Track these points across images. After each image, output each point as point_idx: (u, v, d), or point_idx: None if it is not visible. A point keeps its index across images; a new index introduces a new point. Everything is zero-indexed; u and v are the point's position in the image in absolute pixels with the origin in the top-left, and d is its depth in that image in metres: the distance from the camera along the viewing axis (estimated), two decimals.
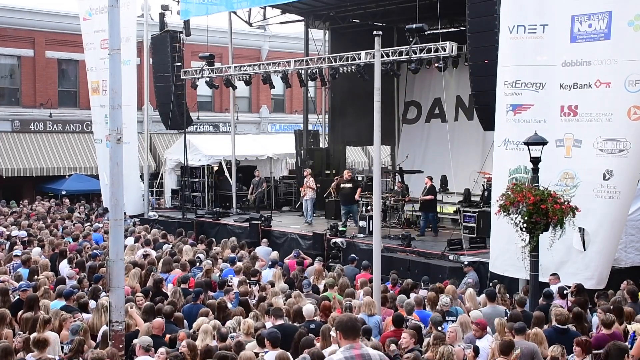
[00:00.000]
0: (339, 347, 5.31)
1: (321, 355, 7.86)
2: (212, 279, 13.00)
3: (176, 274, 13.57)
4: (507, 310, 10.85)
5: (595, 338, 8.97)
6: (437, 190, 21.31)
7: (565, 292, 11.47)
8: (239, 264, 14.54)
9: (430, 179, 19.10)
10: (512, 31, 13.37)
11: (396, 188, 20.76)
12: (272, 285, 12.76)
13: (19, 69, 30.51)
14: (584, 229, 12.44)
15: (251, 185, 24.36)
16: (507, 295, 12.35)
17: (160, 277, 12.83)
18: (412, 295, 11.68)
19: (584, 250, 12.59)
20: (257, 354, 8.12)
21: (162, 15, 24.91)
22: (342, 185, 19.71)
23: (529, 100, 13.27)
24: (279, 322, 9.58)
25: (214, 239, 18.86)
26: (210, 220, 22.63)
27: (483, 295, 11.54)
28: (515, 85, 13.36)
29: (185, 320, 10.28)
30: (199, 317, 9.95)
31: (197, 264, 14.78)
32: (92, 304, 10.86)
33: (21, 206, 25.52)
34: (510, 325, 9.07)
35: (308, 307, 10.16)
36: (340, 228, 18.58)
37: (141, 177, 26.05)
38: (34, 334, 8.69)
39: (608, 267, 12.74)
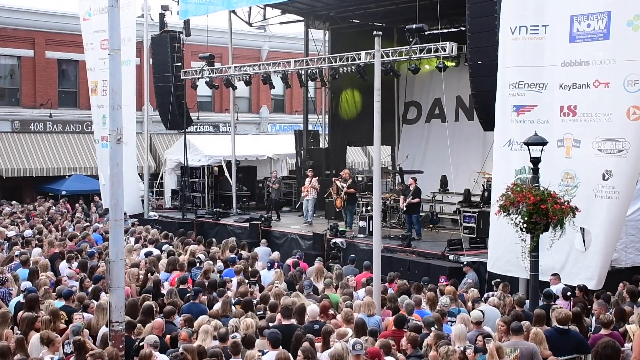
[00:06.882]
0: None
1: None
2: (211, 280, 13.00)
3: (176, 274, 13.57)
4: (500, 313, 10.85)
5: (593, 339, 8.98)
6: (438, 190, 21.44)
7: (568, 293, 11.47)
8: (238, 264, 14.52)
9: (415, 180, 18.81)
10: (514, 32, 13.37)
11: (396, 188, 20.75)
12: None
13: (19, 69, 30.52)
14: (585, 229, 12.45)
15: (268, 184, 23.74)
16: (509, 295, 12.28)
17: (159, 278, 12.85)
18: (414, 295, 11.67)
19: (585, 250, 12.60)
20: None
21: (162, 16, 24.90)
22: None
23: (532, 101, 13.27)
24: (287, 322, 9.58)
25: (214, 239, 18.87)
26: (210, 220, 22.64)
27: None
28: (518, 86, 13.36)
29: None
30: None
31: (197, 264, 14.79)
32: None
33: (23, 207, 25.54)
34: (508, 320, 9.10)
35: (313, 308, 10.10)
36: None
37: (141, 177, 26.07)
38: (42, 332, 8.75)
39: (606, 267, 12.76)
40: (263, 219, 20.86)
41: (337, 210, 20.63)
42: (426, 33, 17.82)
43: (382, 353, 8.09)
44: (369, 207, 19.90)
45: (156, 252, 15.98)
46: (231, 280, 13.17)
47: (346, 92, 25.92)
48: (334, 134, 26.38)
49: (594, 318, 10.29)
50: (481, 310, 9.90)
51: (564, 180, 12.77)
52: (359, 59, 19.18)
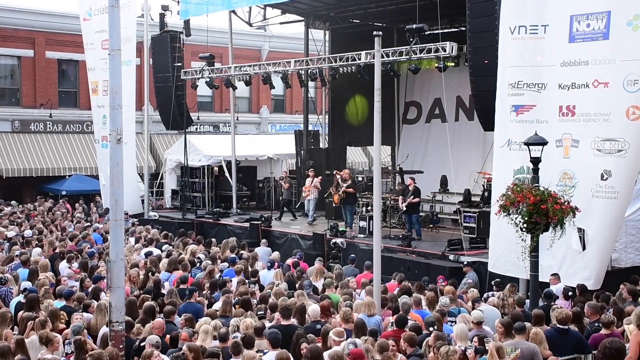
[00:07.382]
0: None
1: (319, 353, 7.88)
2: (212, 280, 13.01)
3: (177, 274, 13.57)
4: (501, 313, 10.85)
5: (594, 338, 8.98)
6: (438, 190, 21.44)
7: (570, 293, 11.47)
8: (239, 264, 14.52)
9: (413, 180, 18.79)
10: (514, 32, 13.36)
11: (396, 188, 20.74)
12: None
13: (19, 69, 30.51)
14: (583, 229, 12.45)
15: (281, 184, 23.71)
16: (512, 295, 12.24)
17: (159, 278, 12.85)
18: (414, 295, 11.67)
19: (583, 250, 12.60)
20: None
21: (162, 16, 24.91)
22: None
23: (531, 101, 13.27)
24: (286, 322, 9.58)
25: (214, 239, 18.87)
26: (211, 220, 22.65)
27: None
28: (517, 86, 13.36)
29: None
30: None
31: (198, 264, 14.79)
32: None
33: (23, 207, 25.53)
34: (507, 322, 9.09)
35: (314, 308, 10.11)
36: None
37: (141, 177, 26.07)
38: (41, 331, 8.76)
39: (604, 267, 12.77)
40: (263, 219, 20.87)
41: (334, 205, 20.63)
42: (426, 33, 17.81)
43: (365, 355, 8.06)
44: (369, 207, 19.90)
45: (156, 252, 15.99)
46: (231, 280, 13.18)
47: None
48: (334, 134, 26.37)
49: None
50: (481, 310, 9.91)
51: (562, 180, 12.77)
52: (359, 59, 19.18)
